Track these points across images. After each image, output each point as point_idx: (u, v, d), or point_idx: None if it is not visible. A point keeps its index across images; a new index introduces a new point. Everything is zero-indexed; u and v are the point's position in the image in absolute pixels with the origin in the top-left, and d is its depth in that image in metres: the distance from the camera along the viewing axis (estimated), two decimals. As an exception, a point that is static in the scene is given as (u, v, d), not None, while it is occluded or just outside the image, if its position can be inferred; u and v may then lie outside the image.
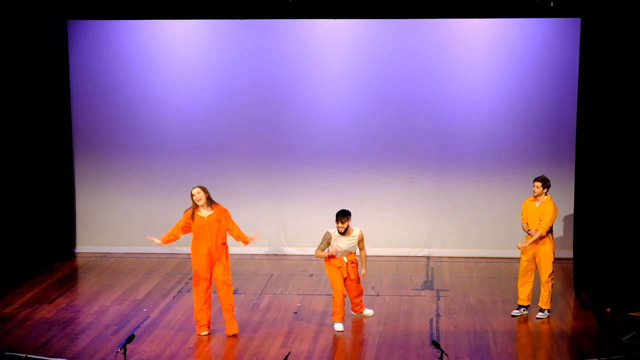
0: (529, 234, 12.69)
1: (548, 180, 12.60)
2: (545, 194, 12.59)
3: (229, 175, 16.02)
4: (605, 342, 10.78)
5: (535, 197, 12.62)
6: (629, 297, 12.82)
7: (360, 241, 12.40)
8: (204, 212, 11.99)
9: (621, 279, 12.96)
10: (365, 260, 12.54)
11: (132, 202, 16.18)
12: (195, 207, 11.99)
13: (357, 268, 12.50)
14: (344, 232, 12.23)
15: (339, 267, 12.32)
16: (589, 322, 12.54)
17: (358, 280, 12.55)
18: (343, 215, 12.19)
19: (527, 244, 12.57)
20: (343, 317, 12.34)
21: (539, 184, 12.56)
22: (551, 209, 12.50)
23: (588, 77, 13.08)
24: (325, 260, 12.39)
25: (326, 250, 12.30)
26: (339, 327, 12.28)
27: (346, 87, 15.70)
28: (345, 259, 12.35)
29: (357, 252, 12.57)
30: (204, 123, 15.91)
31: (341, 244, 12.28)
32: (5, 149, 14.39)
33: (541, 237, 12.53)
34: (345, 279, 12.38)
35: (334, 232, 12.31)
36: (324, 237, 12.31)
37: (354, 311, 12.82)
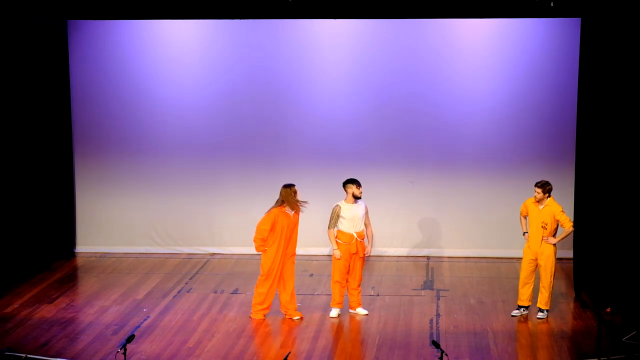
0: (524, 236, 12.85)
1: (548, 184, 12.61)
2: (548, 197, 12.61)
3: (229, 174, 16.02)
4: (605, 342, 10.78)
5: (538, 201, 12.63)
6: (629, 297, 12.81)
7: (366, 213, 12.84)
8: (290, 211, 12.58)
9: (621, 279, 12.95)
10: (372, 237, 12.99)
11: (132, 202, 16.17)
12: (283, 204, 12.61)
13: (365, 246, 12.91)
14: (356, 199, 12.76)
15: (349, 243, 12.65)
16: (589, 322, 12.54)
17: (364, 260, 12.86)
18: (358, 181, 12.76)
19: (557, 240, 12.61)
20: (340, 303, 12.75)
21: (539, 189, 12.58)
22: (559, 208, 12.56)
23: (588, 77, 13.07)
24: (335, 238, 12.77)
25: (336, 250, 12.72)
26: (333, 313, 12.74)
27: (346, 87, 15.71)
28: (355, 234, 12.65)
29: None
30: (204, 123, 15.91)
31: (352, 212, 12.67)
32: (5, 149, 14.38)
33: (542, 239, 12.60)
34: (353, 256, 12.73)
35: (342, 203, 12.75)
36: (333, 212, 12.76)
37: (351, 307, 12.90)
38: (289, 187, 12.65)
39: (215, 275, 14.95)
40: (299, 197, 12.69)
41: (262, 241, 12.61)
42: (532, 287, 12.78)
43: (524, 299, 12.80)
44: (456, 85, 15.56)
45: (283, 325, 12.50)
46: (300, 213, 12.80)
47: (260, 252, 12.75)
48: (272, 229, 12.58)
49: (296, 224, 12.74)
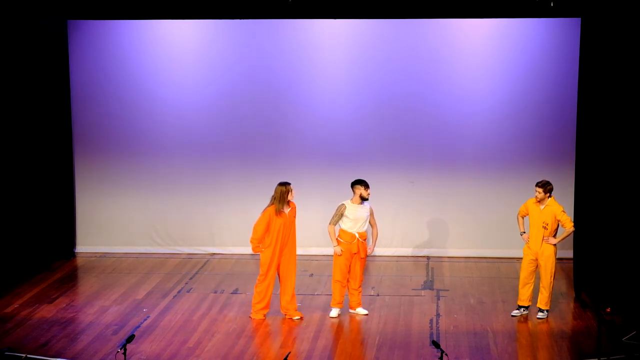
0: (522, 237, 12.83)
1: (549, 184, 12.60)
2: (548, 197, 12.60)
3: (229, 174, 16.02)
4: (605, 342, 10.78)
5: (539, 201, 12.62)
6: (629, 297, 12.81)
7: (372, 215, 12.80)
8: (286, 209, 12.56)
9: (621, 279, 12.95)
10: (376, 237, 12.98)
11: (132, 202, 16.17)
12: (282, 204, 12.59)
13: (367, 246, 12.90)
14: (363, 201, 12.75)
15: (350, 242, 12.64)
16: (589, 322, 12.54)
17: (365, 261, 12.87)
18: (367, 183, 12.75)
19: (558, 241, 12.57)
20: (341, 303, 12.76)
21: (540, 189, 12.56)
22: (560, 208, 12.54)
23: (588, 77, 13.08)
24: (337, 237, 12.78)
25: (336, 246, 12.71)
26: (333, 312, 12.76)
27: (346, 87, 15.71)
28: (356, 234, 12.63)
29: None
30: (204, 122, 15.91)
31: (356, 213, 12.66)
32: (5, 149, 14.38)
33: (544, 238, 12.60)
34: (354, 256, 12.72)
35: (347, 203, 12.74)
36: (337, 210, 12.76)
37: (351, 307, 12.92)
38: (284, 185, 12.63)
39: (215, 275, 14.95)
40: (293, 196, 12.65)
41: (258, 242, 12.57)
42: (532, 287, 12.77)
43: (524, 299, 12.79)
44: (456, 85, 15.56)
45: (283, 325, 12.50)
46: (297, 212, 12.78)
47: (258, 253, 12.74)
48: (267, 228, 12.56)
49: (292, 221, 12.70)
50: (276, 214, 12.53)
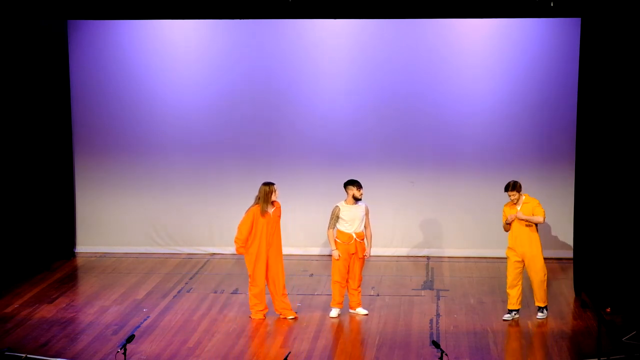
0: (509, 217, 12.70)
1: (517, 182, 12.50)
2: (522, 195, 12.53)
3: (229, 174, 16.02)
4: (605, 342, 10.77)
5: (515, 203, 12.54)
6: (629, 297, 12.81)
7: (366, 215, 12.80)
8: (270, 209, 12.51)
9: (621, 279, 12.95)
10: (371, 239, 12.93)
11: (132, 202, 16.17)
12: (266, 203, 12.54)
13: (364, 246, 12.89)
14: (356, 201, 12.75)
15: (348, 243, 12.66)
16: (589, 322, 12.54)
17: (363, 260, 12.87)
18: (359, 183, 12.74)
19: (523, 216, 12.38)
20: (340, 303, 12.77)
21: (513, 192, 12.39)
22: (536, 201, 12.48)
23: (588, 78, 13.08)
24: (335, 238, 12.78)
25: (334, 250, 12.70)
26: (333, 312, 12.77)
27: (346, 86, 15.71)
28: (354, 234, 12.66)
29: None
30: (204, 123, 15.92)
31: (351, 213, 12.67)
32: (5, 149, 14.38)
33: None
34: (353, 256, 12.74)
35: (341, 204, 12.76)
36: (332, 213, 12.76)
37: (351, 307, 12.92)
38: (268, 185, 12.61)
39: (215, 275, 14.96)
40: (277, 196, 12.61)
41: (243, 242, 12.54)
42: (520, 289, 12.61)
43: (513, 302, 12.63)
44: (456, 85, 15.57)
45: (283, 325, 12.50)
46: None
47: (241, 254, 12.68)
48: (251, 228, 12.53)
49: (277, 221, 12.66)
50: (261, 214, 12.51)
